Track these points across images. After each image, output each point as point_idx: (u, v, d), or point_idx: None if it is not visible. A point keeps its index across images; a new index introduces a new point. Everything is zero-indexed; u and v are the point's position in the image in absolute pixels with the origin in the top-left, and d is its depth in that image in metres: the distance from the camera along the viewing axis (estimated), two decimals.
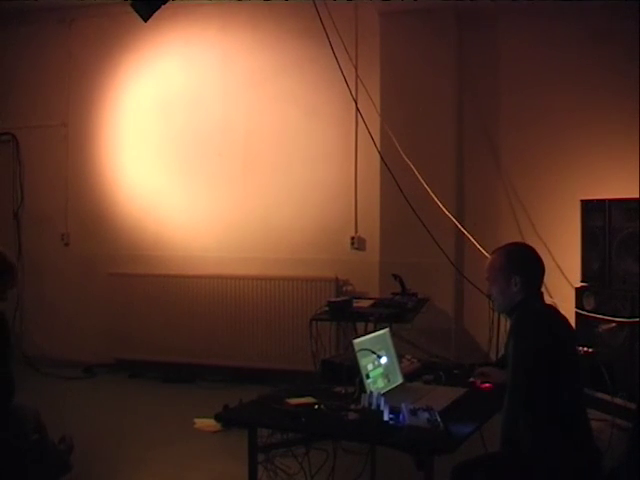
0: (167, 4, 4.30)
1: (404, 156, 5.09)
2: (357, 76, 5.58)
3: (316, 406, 2.55)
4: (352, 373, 2.71)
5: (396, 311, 4.58)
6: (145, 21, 4.30)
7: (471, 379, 2.85)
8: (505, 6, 5.46)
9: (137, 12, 4.27)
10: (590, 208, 4.84)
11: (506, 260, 2.61)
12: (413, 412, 2.32)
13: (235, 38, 6.25)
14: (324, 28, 4.72)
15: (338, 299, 5.11)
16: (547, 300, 2.66)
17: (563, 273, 5.18)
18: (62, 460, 3.68)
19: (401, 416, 2.35)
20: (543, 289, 2.62)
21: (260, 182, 6.18)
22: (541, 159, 5.47)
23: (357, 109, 5.45)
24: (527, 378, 2.36)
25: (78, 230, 6.69)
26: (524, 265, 2.60)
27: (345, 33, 5.34)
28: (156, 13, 4.29)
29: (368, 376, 2.71)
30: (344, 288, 5.91)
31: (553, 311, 2.60)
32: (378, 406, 2.43)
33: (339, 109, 5.89)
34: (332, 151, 6.00)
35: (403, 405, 2.38)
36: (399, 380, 2.92)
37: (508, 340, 2.55)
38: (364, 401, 2.48)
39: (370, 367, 2.75)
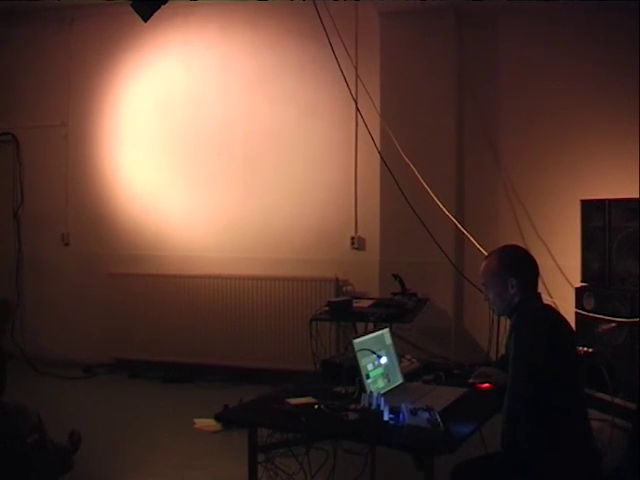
0: (167, 4, 4.31)
1: (404, 156, 5.09)
2: (357, 76, 5.58)
3: (316, 406, 2.55)
4: (352, 373, 2.71)
5: (396, 311, 4.58)
6: (145, 21, 4.31)
7: (470, 380, 2.85)
8: (505, 6, 5.46)
9: (137, 12, 4.27)
10: (590, 208, 4.83)
11: (499, 263, 2.62)
12: (413, 412, 2.33)
13: (235, 38, 6.25)
14: (324, 28, 4.73)
15: (338, 299, 5.12)
16: (547, 300, 2.66)
17: (563, 273, 5.17)
18: (63, 459, 3.67)
19: (401, 416, 2.35)
20: (543, 289, 2.62)
21: (260, 182, 6.18)
22: (541, 159, 5.47)
23: (357, 109, 5.45)
24: (527, 378, 2.36)
25: (78, 230, 6.69)
26: (518, 266, 2.60)
27: (345, 33, 5.35)
28: (156, 13, 4.30)
29: (368, 376, 2.71)
30: (344, 288, 5.91)
31: (552, 311, 2.60)
32: (378, 406, 2.43)
33: (339, 109, 5.89)
34: (332, 151, 6.00)
35: (403, 405, 2.38)
36: (399, 380, 2.92)
37: (508, 340, 2.55)
38: (364, 401, 2.48)
39: (370, 367, 2.75)
